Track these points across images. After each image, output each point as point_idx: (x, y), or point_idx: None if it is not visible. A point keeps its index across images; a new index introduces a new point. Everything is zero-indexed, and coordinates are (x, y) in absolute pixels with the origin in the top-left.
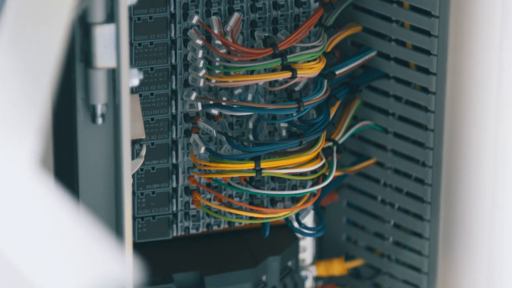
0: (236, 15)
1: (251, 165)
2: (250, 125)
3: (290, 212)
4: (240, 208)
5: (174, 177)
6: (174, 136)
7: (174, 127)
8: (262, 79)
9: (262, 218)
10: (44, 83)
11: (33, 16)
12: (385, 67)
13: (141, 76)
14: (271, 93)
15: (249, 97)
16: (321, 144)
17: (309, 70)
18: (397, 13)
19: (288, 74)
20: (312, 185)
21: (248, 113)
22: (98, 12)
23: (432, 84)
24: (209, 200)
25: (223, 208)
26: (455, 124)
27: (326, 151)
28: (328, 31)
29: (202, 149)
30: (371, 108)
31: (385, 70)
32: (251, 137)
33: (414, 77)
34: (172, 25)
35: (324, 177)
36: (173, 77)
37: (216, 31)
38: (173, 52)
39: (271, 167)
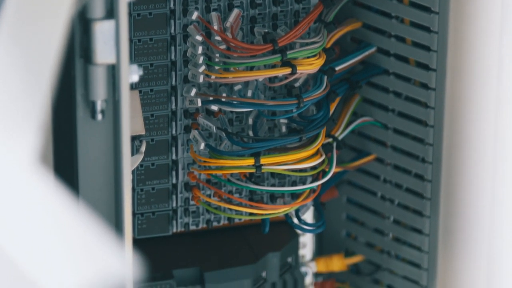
0: (235, 11)
1: (251, 161)
2: (250, 121)
3: (290, 208)
4: (240, 204)
5: (174, 173)
6: (173, 132)
7: (174, 123)
8: (261, 75)
9: (261, 214)
10: (44, 79)
11: (32, 12)
12: (385, 63)
13: (141, 72)
14: (270, 89)
15: (249, 93)
16: (321, 140)
17: (309, 66)
18: (396, 9)
19: (288, 70)
20: (312, 181)
21: (248, 109)
22: (98, 8)
23: (432, 80)
24: (209, 196)
25: (223, 204)
26: (455, 120)
27: (326, 147)
28: (328, 27)
29: (202, 145)
30: (371, 104)
31: (385, 66)
32: (251, 133)
33: (414, 73)
34: (172, 21)
35: (324, 173)
36: (173, 73)
37: (215, 27)
38: (172, 48)
39: (271, 163)
